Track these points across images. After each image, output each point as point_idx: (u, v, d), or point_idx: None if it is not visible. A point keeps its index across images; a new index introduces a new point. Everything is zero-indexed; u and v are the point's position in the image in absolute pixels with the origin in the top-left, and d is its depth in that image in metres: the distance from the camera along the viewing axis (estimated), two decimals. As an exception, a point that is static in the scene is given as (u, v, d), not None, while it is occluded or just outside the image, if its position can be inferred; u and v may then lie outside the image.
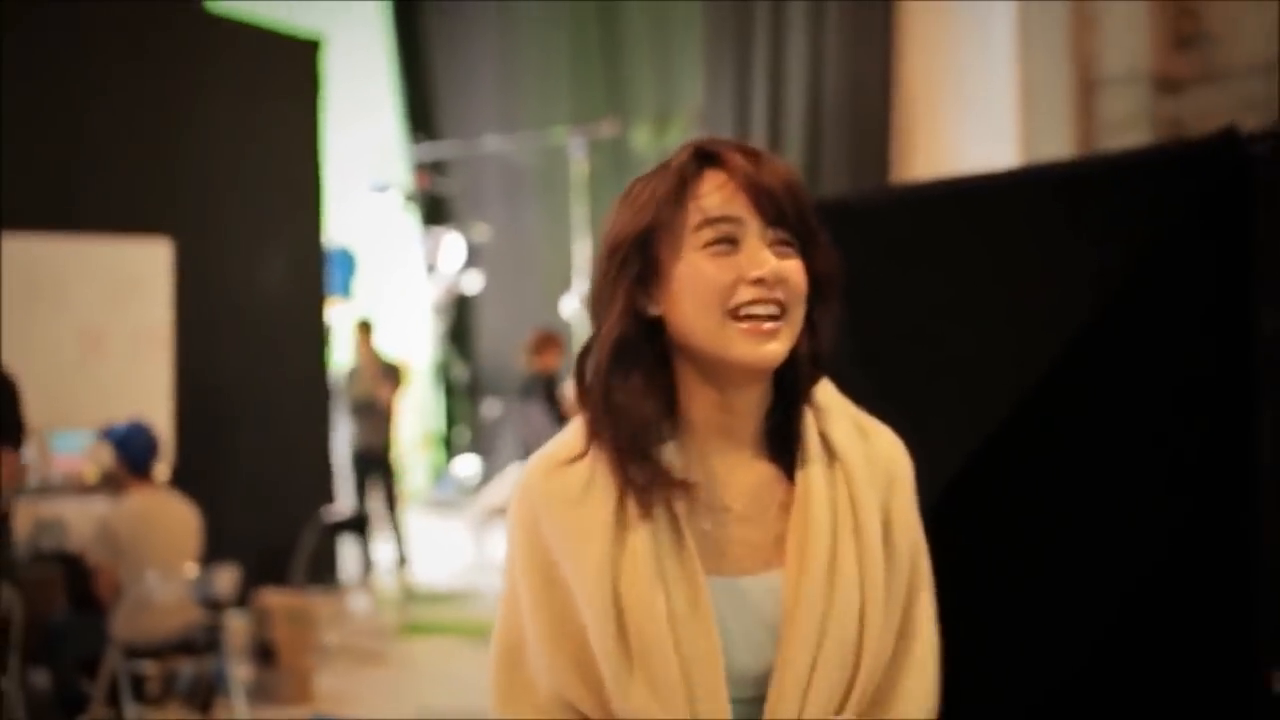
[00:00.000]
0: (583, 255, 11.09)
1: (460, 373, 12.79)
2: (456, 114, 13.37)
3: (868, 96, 10.96)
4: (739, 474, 1.55)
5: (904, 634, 1.55)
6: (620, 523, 1.49)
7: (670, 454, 1.51)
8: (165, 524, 5.70)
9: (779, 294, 1.49)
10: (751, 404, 1.55)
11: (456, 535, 10.36)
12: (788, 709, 1.46)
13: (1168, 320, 2.45)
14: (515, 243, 12.57)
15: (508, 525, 1.57)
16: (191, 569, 5.73)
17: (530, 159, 12.36)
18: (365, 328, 9.87)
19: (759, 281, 1.48)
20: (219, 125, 8.10)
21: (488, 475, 11.48)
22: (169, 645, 5.69)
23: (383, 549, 9.38)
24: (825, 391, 1.60)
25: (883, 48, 11.03)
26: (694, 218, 1.50)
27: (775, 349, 1.49)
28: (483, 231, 12.37)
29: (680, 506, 1.50)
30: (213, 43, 8.33)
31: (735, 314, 1.48)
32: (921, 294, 2.77)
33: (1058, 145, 10.40)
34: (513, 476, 10.67)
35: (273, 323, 8.41)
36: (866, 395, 1.73)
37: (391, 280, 12.45)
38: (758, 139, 10.75)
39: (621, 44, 12.77)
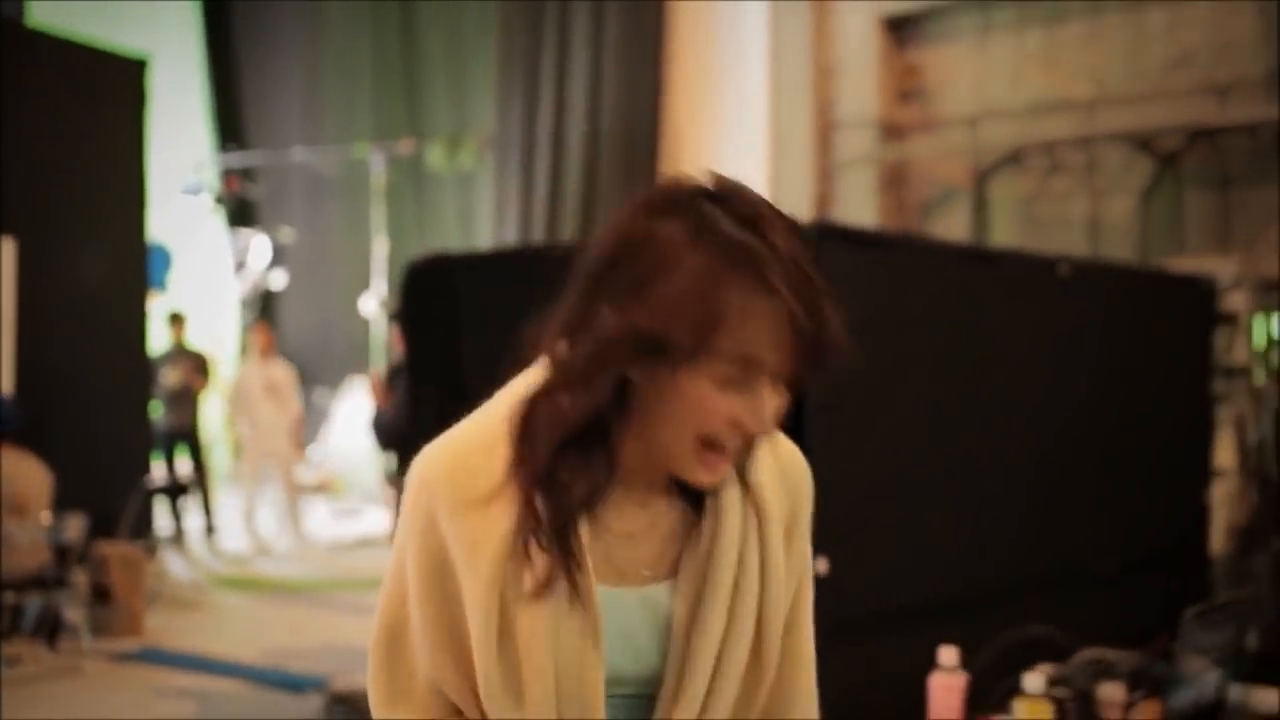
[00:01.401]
0: (380, 258, 12.23)
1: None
2: (264, 125, 14.41)
3: (640, 124, 12.21)
4: (649, 494, 1.46)
5: (790, 637, 1.51)
6: (518, 538, 1.38)
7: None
8: (25, 477, 6.78)
9: (753, 432, 1.37)
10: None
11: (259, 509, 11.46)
12: (687, 710, 1.43)
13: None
14: (317, 245, 13.66)
15: (403, 507, 1.48)
16: (46, 517, 6.82)
17: (333, 170, 13.48)
18: (177, 319, 10.88)
19: (756, 421, 1.35)
20: (56, 136, 9.04)
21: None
22: (26, 581, 6.77)
23: (196, 517, 10.43)
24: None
25: (654, 82, 12.29)
26: (723, 343, 1.30)
27: (725, 472, 1.41)
28: (287, 234, 13.43)
29: (582, 525, 1.39)
30: (45, 58, 9.22)
31: (707, 442, 1.36)
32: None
33: (801, 177, 11.92)
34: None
35: (100, 312, 9.35)
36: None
37: (202, 276, 13.40)
38: (542, 161, 12.07)
39: (419, 67, 13.93)
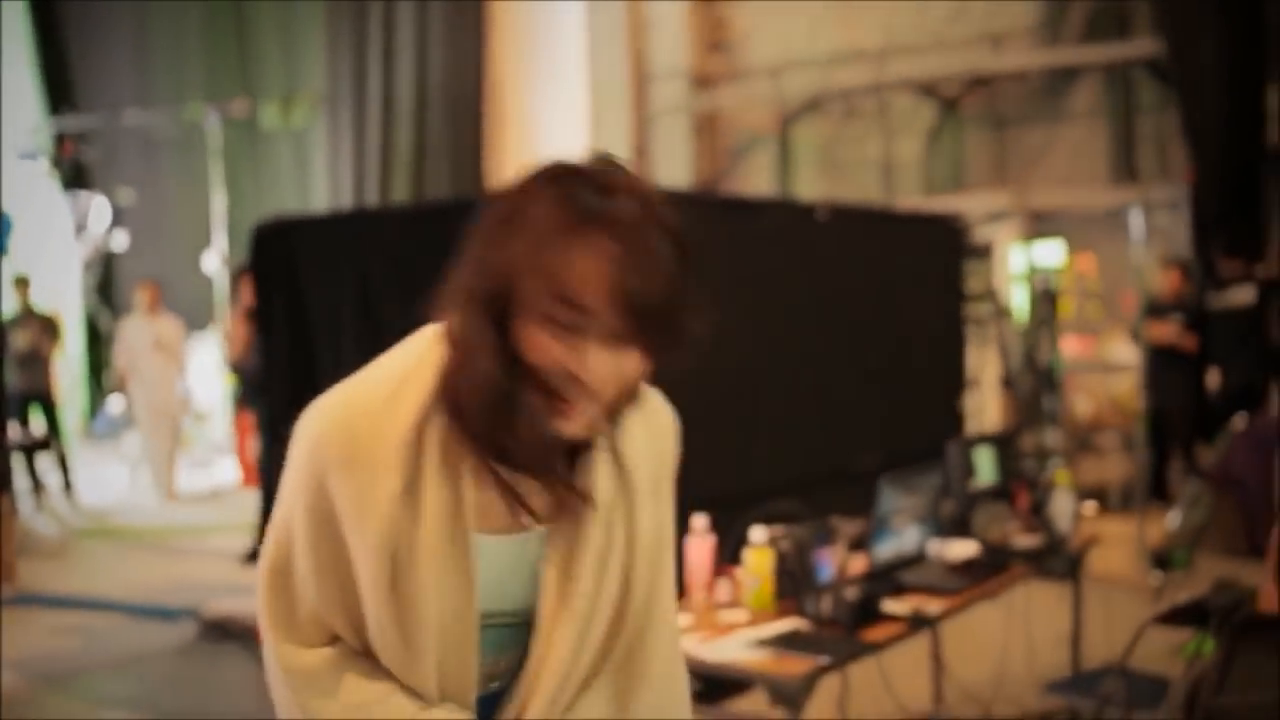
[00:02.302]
0: (219, 216, 12.67)
1: (107, 323, 14.19)
2: (95, 88, 14.65)
3: (465, 85, 12.79)
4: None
5: (653, 589, 1.61)
6: (407, 501, 1.44)
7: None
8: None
9: (588, 396, 1.40)
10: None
11: (113, 466, 11.93)
12: (558, 661, 1.52)
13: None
14: (155, 206, 14.00)
15: (292, 459, 1.52)
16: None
17: (168, 132, 13.84)
18: (22, 282, 11.22)
19: (580, 381, 1.38)
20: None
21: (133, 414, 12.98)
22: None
23: (51, 474, 10.86)
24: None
25: (476, 43, 12.88)
26: (556, 292, 1.35)
27: (582, 429, 1.44)
28: (127, 195, 13.76)
29: (467, 486, 1.46)
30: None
31: (552, 393, 1.39)
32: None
33: (619, 127, 12.65)
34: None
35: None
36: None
37: (42, 240, 13.66)
38: (373, 120, 12.61)
39: (251, 26, 14.28)
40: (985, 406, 8.26)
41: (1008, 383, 8.32)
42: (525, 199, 1.39)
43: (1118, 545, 7.19)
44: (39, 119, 14.43)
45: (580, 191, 1.37)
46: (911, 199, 11.10)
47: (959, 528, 4.10)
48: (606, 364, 1.38)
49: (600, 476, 1.54)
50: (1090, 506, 4.60)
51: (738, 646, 3.10)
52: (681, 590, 3.49)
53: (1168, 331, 8.62)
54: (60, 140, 14.34)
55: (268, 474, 6.02)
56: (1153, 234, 10.20)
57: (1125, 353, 9.20)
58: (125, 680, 6.12)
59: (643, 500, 1.59)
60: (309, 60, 13.71)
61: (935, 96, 11.36)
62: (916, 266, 6.29)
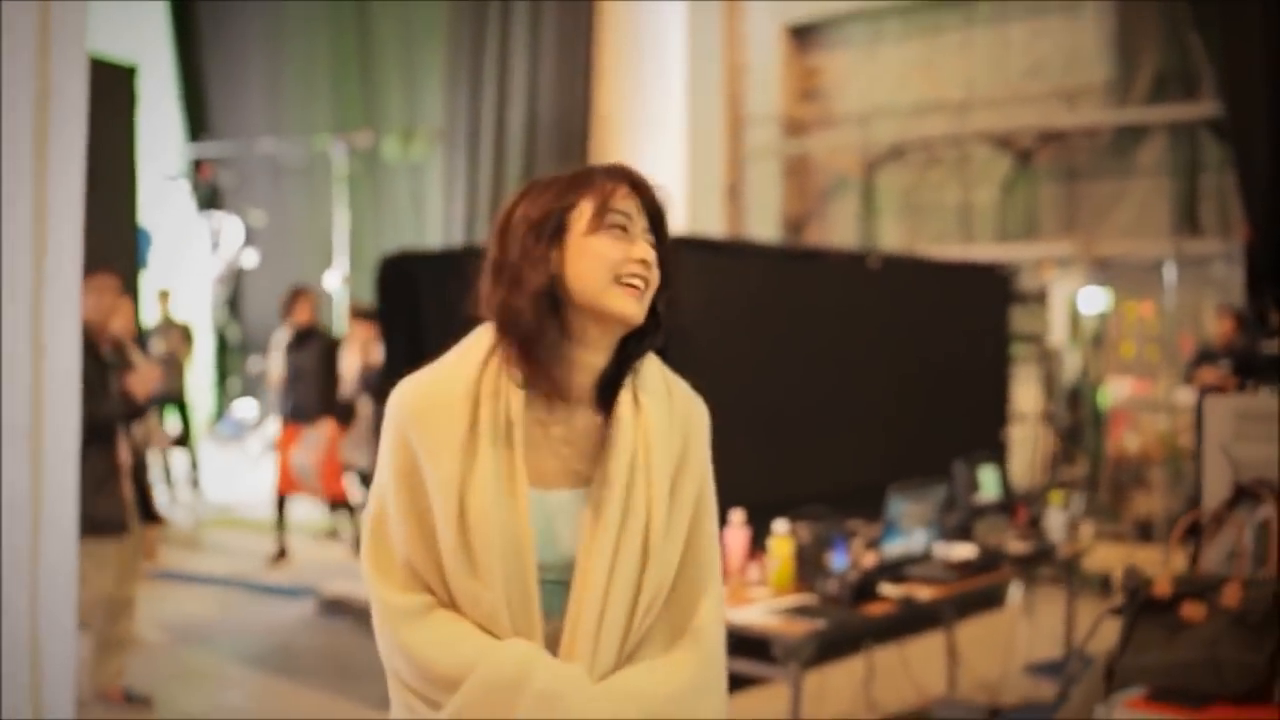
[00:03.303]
0: (341, 240, 13.70)
1: (234, 334, 15.33)
2: (231, 117, 15.83)
3: (571, 120, 13.57)
4: (568, 413, 1.88)
5: (690, 552, 1.89)
6: (469, 444, 1.79)
7: (519, 396, 1.85)
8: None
9: (648, 273, 1.83)
10: (598, 359, 1.88)
11: (239, 463, 12.97)
12: (592, 599, 1.80)
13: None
14: (283, 228, 15.10)
15: (384, 429, 1.87)
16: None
17: (296, 159, 14.95)
18: (164, 295, 12.32)
19: (640, 261, 1.83)
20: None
21: (262, 416, 14.04)
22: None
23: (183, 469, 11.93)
24: (645, 359, 1.92)
25: (584, 84, 13.66)
26: (603, 203, 1.83)
27: (641, 309, 1.83)
28: (258, 218, 14.87)
29: (517, 434, 1.82)
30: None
31: (619, 279, 1.81)
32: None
33: (714, 166, 13.48)
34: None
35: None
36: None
37: (179, 256, 14.83)
38: (486, 156, 13.56)
39: (375, 63, 15.32)
40: (1030, 438, 8.96)
41: (1050, 418, 9.01)
42: (532, 188, 1.90)
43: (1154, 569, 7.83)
44: (180, 144, 15.64)
45: (578, 169, 1.90)
46: (986, 245, 11.78)
47: (962, 534, 4.86)
48: (647, 252, 1.84)
49: (624, 424, 1.86)
50: (1088, 525, 5.31)
51: (758, 613, 3.91)
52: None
53: (1214, 375, 9.23)
54: (198, 165, 15.53)
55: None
56: (1211, 285, 10.83)
57: (1183, 394, 9.81)
58: (253, 641, 7.06)
59: (659, 450, 1.87)
60: (428, 96, 14.66)
61: (1011, 148, 12.03)
62: (962, 310, 7.04)
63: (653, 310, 1.88)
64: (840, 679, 5.61)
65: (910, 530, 4.56)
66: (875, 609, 4.08)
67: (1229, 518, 3.54)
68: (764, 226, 13.32)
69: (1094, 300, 10.61)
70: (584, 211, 1.85)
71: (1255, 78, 10.06)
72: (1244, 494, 3.54)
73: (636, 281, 1.83)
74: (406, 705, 1.86)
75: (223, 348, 15.61)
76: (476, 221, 13.49)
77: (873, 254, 6.47)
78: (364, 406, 9.11)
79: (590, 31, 13.82)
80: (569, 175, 1.90)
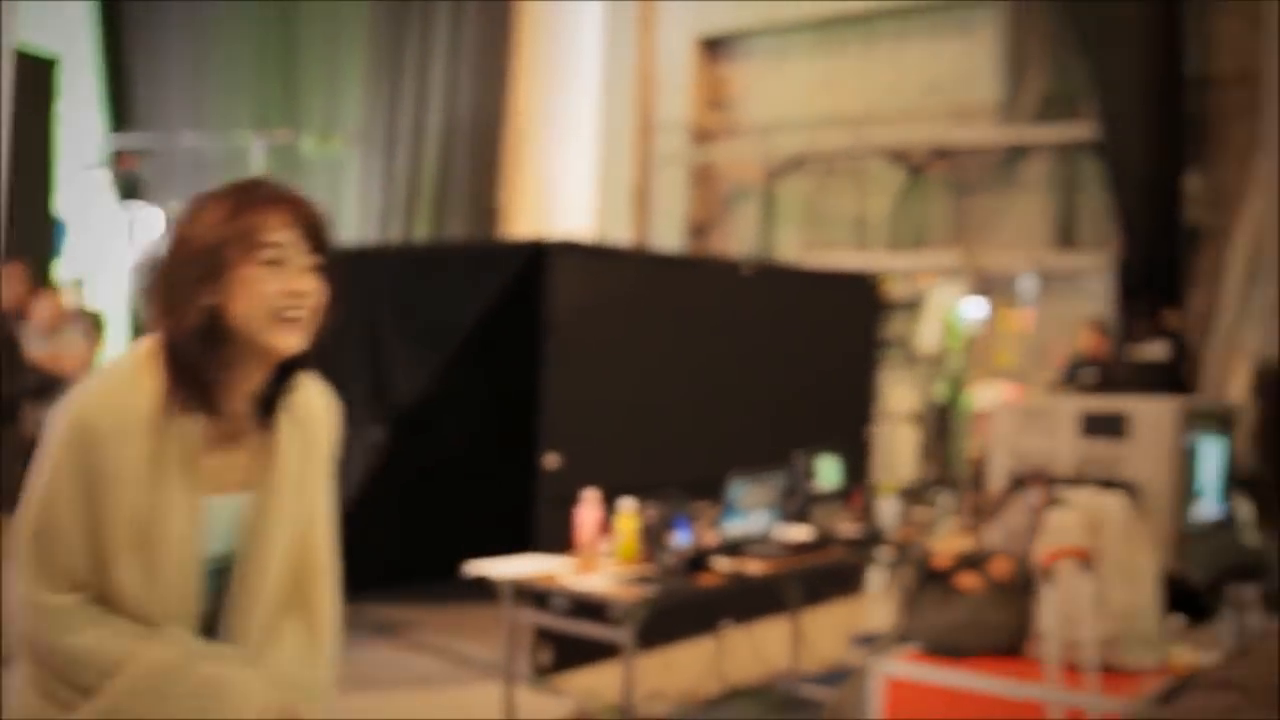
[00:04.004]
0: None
1: (151, 323, 15.57)
2: (152, 110, 16.06)
3: (487, 123, 13.99)
4: (235, 426, 2.00)
5: (325, 541, 2.13)
6: (154, 458, 1.89)
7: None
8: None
9: (307, 303, 1.91)
10: (262, 378, 2.00)
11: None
12: (257, 589, 2.02)
13: (500, 351, 6.02)
14: (202, 219, 15.34)
15: (54, 439, 1.90)
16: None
17: (216, 154, 15.21)
18: (78, 285, 12.55)
19: (296, 294, 1.90)
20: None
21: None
22: None
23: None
24: (301, 375, 2.07)
25: (501, 85, 14.07)
26: (259, 236, 1.87)
27: (302, 341, 1.93)
28: (178, 209, 15.09)
29: (196, 448, 1.92)
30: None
31: (278, 315, 1.89)
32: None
33: (623, 175, 13.94)
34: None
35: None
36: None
37: (98, 245, 15.05)
38: (402, 157, 13.94)
39: (297, 60, 15.61)
40: (896, 436, 9.50)
41: (918, 419, 9.56)
42: (199, 207, 1.95)
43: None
44: (101, 135, 15.85)
45: (239, 187, 1.95)
46: (878, 253, 12.32)
47: (803, 518, 5.34)
48: (306, 281, 1.92)
49: (286, 436, 2.05)
50: (927, 512, 5.83)
51: (601, 580, 4.37)
52: (573, 541, 4.75)
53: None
54: (119, 155, 15.75)
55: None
56: (1084, 297, 11.44)
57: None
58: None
59: (318, 454, 2.10)
60: (348, 96, 14.99)
61: (905, 162, 12.59)
62: (832, 315, 7.54)
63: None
64: (693, 656, 6.08)
65: (750, 512, 5.03)
66: (708, 580, 4.54)
67: (1007, 502, 4.04)
68: (670, 231, 13.78)
69: (972, 309, 11.19)
70: (239, 248, 1.89)
71: (1130, 101, 10.68)
72: (1019, 483, 4.03)
73: (296, 315, 1.91)
74: (53, 701, 1.93)
75: (139, 335, 15.85)
76: (391, 220, 13.85)
77: (746, 262, 6.95)
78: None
79: (508, 37, 14.21)
80: (230, 202, 1.93)
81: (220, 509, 2.00)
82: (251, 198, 1.92)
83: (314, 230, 1.95)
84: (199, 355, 1.90)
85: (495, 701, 5.01)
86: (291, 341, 1.93)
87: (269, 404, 2.03)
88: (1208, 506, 4.26)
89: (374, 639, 6.80)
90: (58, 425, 1.90)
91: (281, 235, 1.90)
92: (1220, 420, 4.35)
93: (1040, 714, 3.32)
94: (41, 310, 7.15)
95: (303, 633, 2.10)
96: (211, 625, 2.03)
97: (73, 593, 1.92)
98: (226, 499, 2.01)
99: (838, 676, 5.39)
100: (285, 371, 2.02)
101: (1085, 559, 3.33)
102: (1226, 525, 4.35)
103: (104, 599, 1.93)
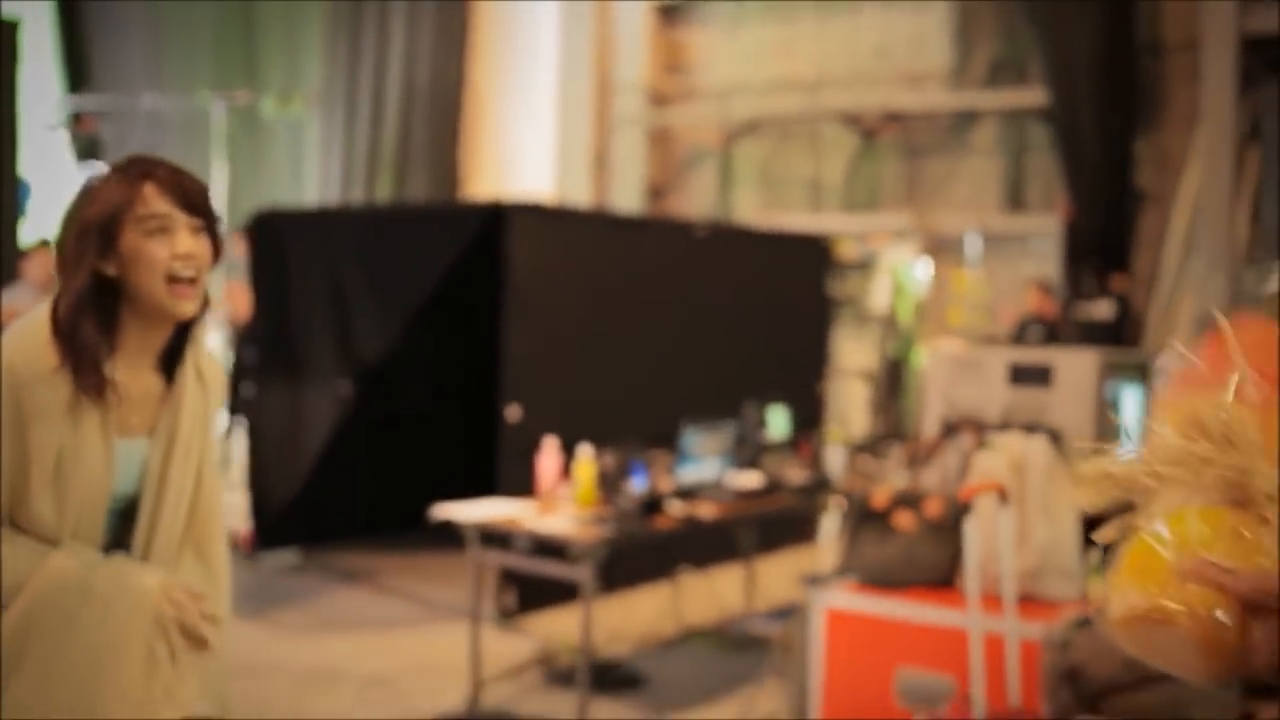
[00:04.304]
0: (220, 195, 14.12)
1: (112, 284, 15.66)
2: (112, 71, 16.11)
3: (446, 86, 14.12)
4: (143, 378, 2.20)
5: (202, 484, 2.29)
6: (71, 404, 2.09)
7: (109, 364, 2.13)
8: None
9: (194, 263, 2.10)
10: (164, 336, 2.20)
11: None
12: (167, 524, 2.21)
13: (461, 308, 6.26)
14: (163, 181, 15.44)
15: None
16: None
17: (176, 115, 15.30)
18: (45, 244, 12.66)
19: (184, 256, 2.09)
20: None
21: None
22: None
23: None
24: (200, 331, 2.26)
25: (458, 50, 14.19)
26: (138, 211, 2.07)
27: (195, 302, 2.14)
28: (137, 171, 15.20)
29: (110, 396, 2.11)
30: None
31: (170, 278, 2.09)
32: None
33: (582, 137, 14.14)
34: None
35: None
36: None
37: (59, 206, 15.09)
38: (362, 118, 14.08)
39: (256, 21, 15.69)
40: (849, 392, 9.81)
41: (869, 375, 9.88)
42: (90, 188, 2.14)
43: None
44: (60, 96, 15.89)
45: (120, 167, 2.14)
46: (833, 215, 12.60)
47: (754, 466, 5.62)
48: (193, 244, 2.10)
49: (188, 387, 2.23)
50: (870, 461, 6.10)
51: (560, 521, 4.63)
52: (535, 488, 5.01)
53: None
54: (78, 117, 15.80)
55: (253, 407, 7.42)
56: (1031, 258, 11.76)
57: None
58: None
59: (214, 407, 2.31)
60: (308, 57, 15.08)
61: (858, 126, 12.85)
62: (783, 276, 7.81)
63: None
64: (651, 600, 6.37)
65: (703, 460, 5.30)
66: (662, 523, 4.82)
67: (940, 446, 4.32)
68: (628, 193, 14.00)
69: (923, 269, 11.49)
70: (125, 223, 2.08)
71: (1078, 68, 10.98)
72: (951, 429, 4.32)
73: (186, 274, 2.10)
74: None
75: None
76: (352, 182, 13.99)
77: (700, 223, 7.20)
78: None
79: (466, 3, 14.34)
80: (115, 181, 2.12)
81: (126, 451, 2.18)
82: (130, 175, 2.12)
83: (191, 196, 2.12)
84: (72, 325, 2.08)
85: (462, 642, 5.26)
86: (188, 306, 2.13)
87: (171, 360, 2.23)
88: (1128, 448, 4.57)
89: (343, 585, 7.05)
90: None
91: (160, 205, 2.09)
92: (1141, 370, 4.65)
93: (964, 639, 3.61)
94: (37, 268, 7.37)
95: (200, 569, 2.28)
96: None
97: None
98: (132, 442, 2.19)
99: (786, 614, 5.67)
100: (184, 330, 2.22)
101: (1003, 494, 3.61)
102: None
103: (16, 528, 2.11)
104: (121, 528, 2.22)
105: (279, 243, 7.05)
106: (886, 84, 12.67)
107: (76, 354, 2.09)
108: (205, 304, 2.20)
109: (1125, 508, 1.30)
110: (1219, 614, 1.17)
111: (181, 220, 2.10)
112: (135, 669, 2.12)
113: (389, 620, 6.45)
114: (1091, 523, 4.06)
